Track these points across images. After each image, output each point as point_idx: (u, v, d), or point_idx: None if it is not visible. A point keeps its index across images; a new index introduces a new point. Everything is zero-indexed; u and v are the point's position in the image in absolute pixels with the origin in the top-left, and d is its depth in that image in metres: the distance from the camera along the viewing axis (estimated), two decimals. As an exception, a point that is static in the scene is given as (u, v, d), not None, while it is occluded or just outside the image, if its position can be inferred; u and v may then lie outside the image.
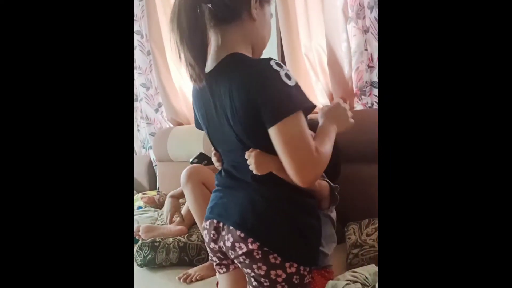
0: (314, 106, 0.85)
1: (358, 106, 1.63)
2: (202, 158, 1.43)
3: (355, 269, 1.03)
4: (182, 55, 0.88)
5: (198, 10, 0.86)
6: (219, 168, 1.03)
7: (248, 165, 0.89)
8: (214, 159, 1.04)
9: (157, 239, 1.56)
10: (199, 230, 1.60)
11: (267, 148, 0.86)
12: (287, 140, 0.81)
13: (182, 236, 1.61)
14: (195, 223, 1.65)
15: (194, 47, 0.86)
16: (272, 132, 0.82)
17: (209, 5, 0.87)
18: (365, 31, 1.52)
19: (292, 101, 0.81)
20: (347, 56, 1.57)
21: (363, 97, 1.59)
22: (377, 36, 1.48)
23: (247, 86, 0.83)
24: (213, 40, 0.90)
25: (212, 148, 1.04)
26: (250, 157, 0.88)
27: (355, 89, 1.60)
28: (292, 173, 0.81)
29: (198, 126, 1.08)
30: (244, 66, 0.86)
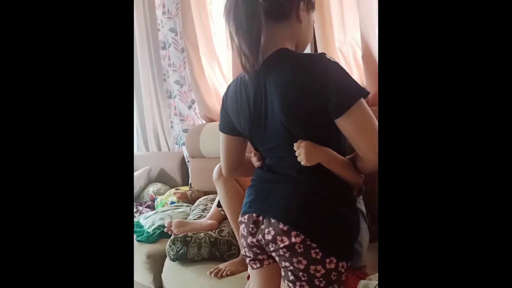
0: (369, 93, 0.87)
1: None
2: None
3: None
4: (236, 45, 0.91)
5: (254, 3, 0.89)
6: (259, 166, 1.03)
7: (294, 159, 0.89)
8: (254, 159, 1.04)
9: (189, 234, 1.58)
10: (230, 226, 1.60)
11: (318, 139, 0.88)
12: (363, 124, 0.84)
13: (213, 231, 1.62)
14: (225, 218, 1.66)
15: (250, 38, 0.89)
16: (344, 119, 0.85)
17: (263, 1, 0.90)
18: (402, 23, 1.47)
19: (357, 88, 0.85)
20: (382, 50, 1.53)
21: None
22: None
23: (310, 76, 0.85)
24: (263, 34, 0.92)
25: (252, 148, 1.04)
26: (300, 148, 0.89)
27: (390, 84, 1.55)
28: (372, 154, 0.84)
29: (224, 129, 1.07)
30: (300, 59, 0.89)
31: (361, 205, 1.11)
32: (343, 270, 0.90)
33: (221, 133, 1.09)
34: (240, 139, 1.05)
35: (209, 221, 1.68)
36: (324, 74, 0.84)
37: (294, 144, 0.89)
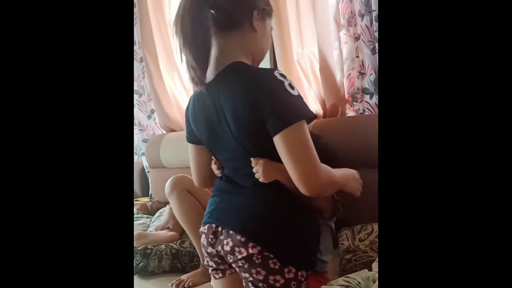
0: (315, 116, 0.88)
1: (350, 113, 1.64)
2: None
3: (348, 275, 1.03)
4: (184, 58, 0.89)
5: (202, 15, 0.87)
6: (219, 175, 1.03)
7: (249, 171, 0.90)
8: (214, 166, 1.04)
9: (149, 246, 1.55)
10: None
11: (272, 156, 0.88)
12: (292, 148, 0.83)
13: (174, 242, 1.60)
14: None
15: (197, 50, 0.87)
16: (277, 139, 0.83)
17: (212, 11, 0.89)
18: (356, 38, 1.54)
19: (296, 110, 0.84)
20: (338, 63, 1.59)
21: (354, 103, 1.60)
22: (367, 43, 1.49)
23: (253, 96, 0.84)
24: (214, 46, 0.91)
25: (212, 156, 1.04)
26: (258, 165, 0.89)
27: (346, 96, 1.62)
28: (296, 180, 0.83)
29: (190, 140, 1.08)
30: (249, 76, 0.88)
31: (331, 221, 1.15)
32: (303, 279, 0.91)
33: (188, 144, 1.09)
34: (206, 148, 1.05)
35: (170, 233, 1.66)
36: (266, 91, 0.83)
37: (252, 159, 0.90)
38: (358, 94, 1.58)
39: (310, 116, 0.86)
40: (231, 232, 0.90)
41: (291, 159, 0.82)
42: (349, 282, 0.94)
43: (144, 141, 2.61)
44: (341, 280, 0.96)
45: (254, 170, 0.90)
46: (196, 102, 0.99)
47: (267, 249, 0.87)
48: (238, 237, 0.88)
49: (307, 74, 1.73)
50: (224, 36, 0.92)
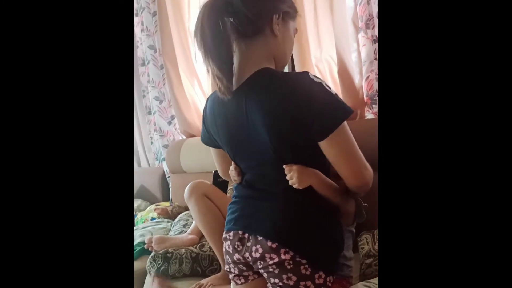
0: (352, 111, 0.87)
1: (369, 115, 1.62)
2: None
3: (368, 280, 1.02)
4: (209, 69, 0.88)
5: (221, 24, 0.86)
6: (236, 182, 1.03)
7: (281, 177, 0.89)
8: (234, 173, 1.02)
9: (170, 250, 1.57)
10: None
11: (305, 160, 0.88)
12: (345, 148, 0.85)
13: (194, 246, 1.61)
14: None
15: (220, 60, 0.86)
16: (328, 141, 0.84)
17: (231, 19, 0.88)
18: (374, 40, 1.53)
19: (341, 109, 0.84)
20: (357, 65, 1.58)
21: (373, 106, 1.59)
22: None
23: (293, 101, 0.83)
24: (236, 53, 0.91)
25: (232, 162, 1.03)
26: (292, 172, 0.88)
27: (365, 98, 1.60)
28: (350, 178, 0.86)
29: (204, 141, 1.08)
30: (283, 81, 0.86)
31: (352, 226, 1.14)
32: (329, 284, 0.90)
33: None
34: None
35: (190, 236, 1.68)
36: (307, 96, 0.82)
37: (285, 166, 0.89)
38: (377, 96, 1.56)
39: (351, 112, 0.86)
40: (260, 238, 0.89)
41: (345, 158, 0.85)
42: (369, 287, 0.93)
43: (165, 146, 2.64)
44: (360, 285, 0.95)
45: (288, 177, 0.89)
46: (216, 107, 0.97)
47: (300, 254, 0.86)
48: (269, 243, 0.88)
49: (326, 77, 1.72)
50: (246, 43, 0.91)
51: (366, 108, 1.62)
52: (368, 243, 1.30)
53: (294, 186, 0.88)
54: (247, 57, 0.91)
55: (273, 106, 0.85)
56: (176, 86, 2.40)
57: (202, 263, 1.55)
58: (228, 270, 1.02)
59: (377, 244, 1.28)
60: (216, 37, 0.86)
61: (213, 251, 1.57)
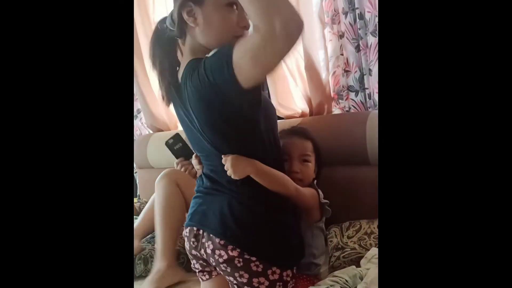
0: None
1: (336, 110, 1.65)
2: (178, 140, 1.22)
3: (334, 273, 1.04)
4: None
5: (164, 37, 0.98)
6: (200, 171, 1.03)
7: (225, 170, 0.89)
8: (195, 161, 1.05)
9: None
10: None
11: (243, 151, 0.88)
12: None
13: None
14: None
15: (162, 70, 0.98)
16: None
17: (170, 28, 0.96)
18: (341, 36, 1.55)
19: None
20: (324, 61, 1.60)
21: (340, 101, 1.61)
22: (352, 41, 1.50)
23: (198, 79, 0.85)
24: (180, 52, 0.98)
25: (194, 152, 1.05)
26: (227, 161, 0.89)
27: (332, 94, 1.63)
28: (259, 19, 0.71)
29: None
30: (195, 70, 0.87)
31: (322, 223, 1.15)
32: (288, 279, 0.91)
33: None
34: None
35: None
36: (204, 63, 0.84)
37: (222, 156, 0.90)
38: (344, 91, 1.59)
39: None
40: (211, 235, 0.90)
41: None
42: (336, 282, 0.95)
43: (131, 141, 2.58)
44: (327, 280, 0.96)
45: (225, 167, 0.89)
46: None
47: (247, 251, 0.86)
48: (217, 240, 0.88)
49: (293, 72, 1.73)
50: (182, 44, 0.97)
51: (333, 103, 1.64)
52: (337, 236, 1.33)
53: (232, 177, 0.88)
54: (184, 56, 0.96)
55: (193, 97, 0.87)
56: (142, 79, 2.34)
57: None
58: (192, 266, 1.02)
59: (345, 236, 1.31)
60: (161, 51, 0.99)
61: (179, 246, 1.52)
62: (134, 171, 2.57)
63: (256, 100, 0.85)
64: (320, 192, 1.10)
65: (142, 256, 1.53)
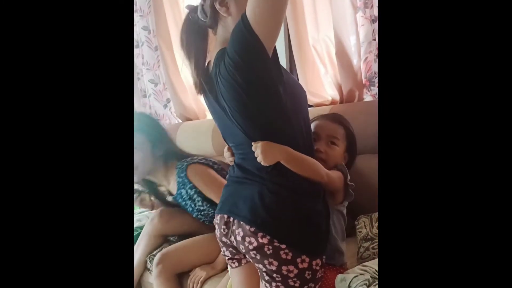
0: None
1: (368, 97, 1.60)
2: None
3: (364, 263, 1.01)
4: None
5: (195, 25, 0.98)
6: (232, 163, 1.03)
7: (255, 158, 0.89)
8: (227, 154, 1.05)
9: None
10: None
11: (274, 137, 0.88)
12: None
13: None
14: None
15: (196, 59, 0.98)
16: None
17: (201, 18, 0.96)
18: (373, 20, 1.49)
19: None
20: (355, 46, 1.55)
21: (372, 88, 1.56)
22: (386, 26, 1.45)
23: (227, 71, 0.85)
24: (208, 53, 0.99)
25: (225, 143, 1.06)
26: (257, 148, 0.89)
27: (364, 80, 1.58)
28: None
29: None
30: (224, 57, 0.88)
31: (343, 207, 1.12)
32: (317, 268, 0.90)
33: None
34: None
35: None
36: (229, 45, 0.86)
37: (253, 143, 0.90)
38: (376, 78, 1.54)
39: None
40: (241, 222, 0.90)
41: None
42: (365, 271, 0.92)
43: (161, 130, 2.61)
44: (357, 269, 0.94)
45: (255, 154, 0.89)
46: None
47: (277, 239, 0.86)
48: (248, 227, 0.88)
49: (323, 59, 1.69)
50: (214, 34, 0.97)
51: (365, 90, 1.60)
52: (366, 226, 1.30)
53: (262, 164, 0.89)
54: (216, 46, 0.96)
55: (224, 84, 0.87)
56: (171, 68, 2.36)
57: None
58: (223, 253, 1.03)
59: (374, 227, 1.27)
60: (193, 40, 0.99)
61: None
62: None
63: (278, 73, 0.87)
64: (348, 174, 1.07)
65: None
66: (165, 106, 2.60)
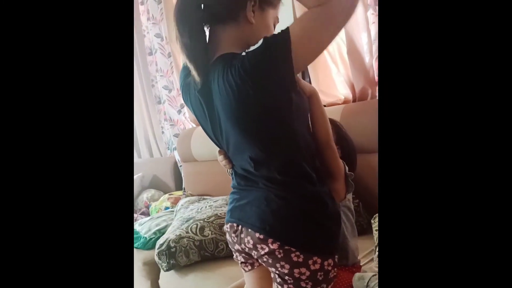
0: None
1: (381, 95, 1.58)
2: None
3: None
4: (184, 56, 0.86)
5: (193, 12, 0.85)
6: (227, 167, 0.99)
7: (260, 164, 0.87)
8: (220, 157, 0.98)
9: (172, 244, 1.57)
10: (210, 224, 1.63)
11: (273, 143, 0.84)
12: None
13: (195, 232, 1.62)
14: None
15: (194, 51, 0.84)
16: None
17: (204, 4, 0.86)
18: (385, 17, 1.48)
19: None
20: (367, 44, 1.54)
21: (385, 85, 1.54)
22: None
23: (232, 76, 0.79)
24: (210, 40, 0.89)
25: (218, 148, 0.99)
26: None
27: (376, 78, 1.56)
28: None
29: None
30: (227, 61, 0.82)
31: (349, 202, 1.10)
32: (329, 268, 0.88)
33: None
34: None
35: None
36: (240, 62, 0.78)
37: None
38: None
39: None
40: (249, 230, 0.89)
41: None
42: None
43: (176, 135, 2.64)
44: (374, 267, 0.93)
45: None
46: (192, 94, 0.93)
47: (287, 243, 0.85)
48: (257, 234, 0.87)
49: (335, 58, 1.68)
50: (220, 28, 0.88)
51: (377, 88, 1.58)
52: (383, 225, 1.28)
53: None
54: (218, 44, 0.88)
55: (225, 90, 0.81)
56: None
57: (208, 248, 1.57)
58: (235, 258, 1.02)
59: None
60: (191, 24, 0.84)
61: (215, 233, 1.58)
62: (179, 165, 2.63)
63: (292, 81, 0.81)
64: (345, 165, 1.05)
65: (183, 248, 1.56)
66: (179, 111, 2.63)
